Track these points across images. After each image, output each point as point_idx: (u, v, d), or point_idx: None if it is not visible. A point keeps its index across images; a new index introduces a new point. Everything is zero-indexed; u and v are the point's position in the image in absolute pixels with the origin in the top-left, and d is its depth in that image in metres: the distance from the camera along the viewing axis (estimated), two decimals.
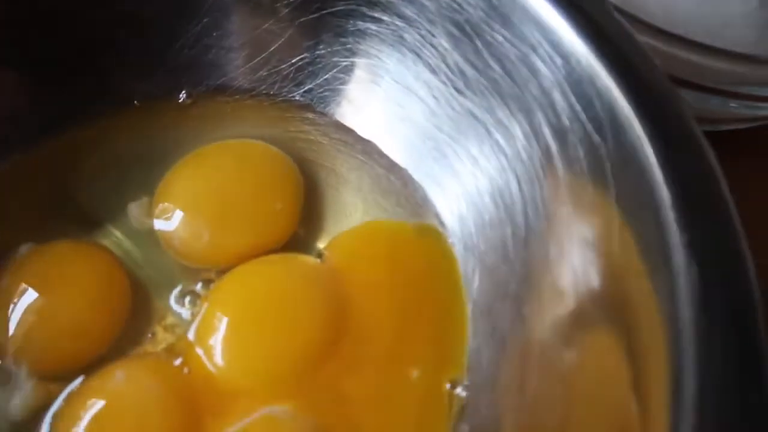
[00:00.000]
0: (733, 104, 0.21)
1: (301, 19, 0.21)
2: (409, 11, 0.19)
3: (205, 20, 0.21)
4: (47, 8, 0.20)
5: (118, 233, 0.21)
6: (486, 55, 0.18)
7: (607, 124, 0.15)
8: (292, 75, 0.22)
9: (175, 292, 0.20)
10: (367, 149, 0.22)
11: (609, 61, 0.15)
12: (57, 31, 0.20)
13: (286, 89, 0.22)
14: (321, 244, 0.21)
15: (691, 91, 0.20)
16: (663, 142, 0.13)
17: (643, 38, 0.19)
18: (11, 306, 0.18)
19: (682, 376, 0.11)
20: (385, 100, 0.21)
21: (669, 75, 0.19)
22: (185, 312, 0.19)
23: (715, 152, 0.13)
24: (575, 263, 0.16)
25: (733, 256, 0.12)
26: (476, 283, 0.19)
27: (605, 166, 0.15)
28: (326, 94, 0.22)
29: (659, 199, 0.13)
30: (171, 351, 0.19)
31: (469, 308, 0.18)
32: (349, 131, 0.22)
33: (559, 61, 0.16)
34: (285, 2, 0.21)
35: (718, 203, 0.13)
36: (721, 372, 0.11)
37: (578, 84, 0.15)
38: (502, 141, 0.18)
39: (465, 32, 0.18)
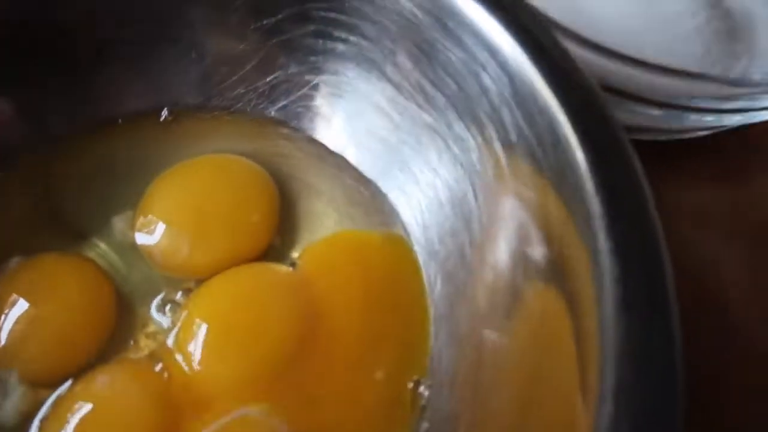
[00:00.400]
0: (693, 117, 0.22)
1: (274, 40, 0.22)
2: (372, 32, 0.20)
3: (183, 43, 0.23)
4: (36, 30, 0.21)
5: (103, 245, 0.22)
6: (442, 73, 0.19)
7: (547, 139, 0.16)
8: (267, 92, 0.23)
9: (157, 300, 0.21)
10: (339, 162, 0.23)
11: (549, 81, 0.16)
12: (43, 51, 0.21)
13: (261, 106, 0.24)
14: (296, 254, 0.22)
15: (634, 103, 0.22)
16: (594, 155, 0.15)
17: (590, 54, 0.20)
18: (2, 316, 0.20)
19: (605, 367, 0.12)
20: (354, 115, 0.22)
21: (614, 88, 0.21)
22: (165, 320, 0.20)
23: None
24: (523, 266, 0.17)
25: (653, 260, 0.13)
26: (438, 288, 0.20)
27: (545, 176, 0.16)
28: (299, 110, 0.23)
29: (590, 208, 0.14)
30: (152, 357, 0.20)
31: (431, 312, 0.20)
32: (321, 145, 0.23)
33: (505, 79, 0.17)
34: (258, 26, 0.22)
35: (640, 210, 0.14)
36: (637, 366, 0.12)
37: (522, 101, 0.16)
38: (459, 153, 0.19)
39: (423, 51, 0.19)
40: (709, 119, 0.24)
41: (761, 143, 0.29)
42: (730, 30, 0.25)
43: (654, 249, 0.13)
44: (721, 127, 0.26)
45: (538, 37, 0.17)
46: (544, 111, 0.16)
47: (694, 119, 0.23)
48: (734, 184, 0.29)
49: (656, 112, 0.22)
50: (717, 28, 0.25)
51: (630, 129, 0.24)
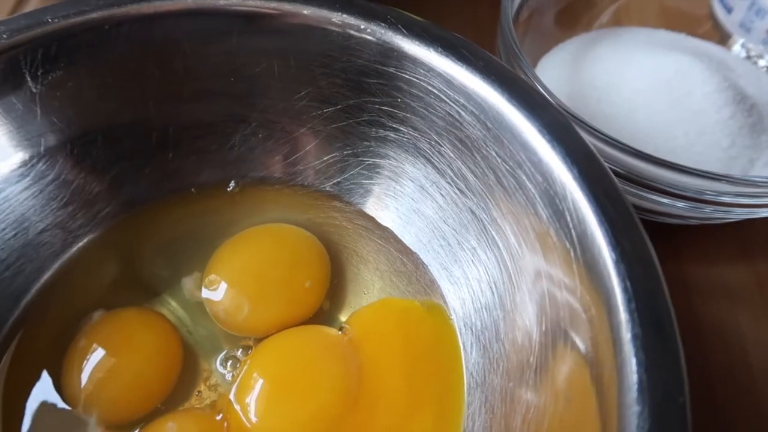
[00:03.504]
0: (706, 209, 0.24)
1: (333, 126, 0.25)
2: (421, 125, 0.23)
3: (253, 125, 0.26)
4: (132, 113, 0.25)
5: (173, 303, 0.24)
6: (483, 165, 0.21)
7: (577, 233, 0.18)
8: (323, 170, 0.26)
9: (220, 356, 0.23)
10: (385, 235, 0.25)
11: (579, 181, 0.18)
12: (134, 136, 0.25)
13: (318, 181, 0.26)
14: (343, 317, 0.24)
15: (661, 195, 0.24)
16: (620, 255, 0.16)
17: (619, 153, 0.22)
18: (84, 362, 0.22)
19: None
20: (402, 194, 0.25)
21: (642, 181, 0.23)
22: (227, 374, 0.23)
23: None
24: (554, 346, 0.19)
25: (669, 354, 0.15)
26: (473, 357, 0.22)
27: (573, 267, 0.18)
28: (352, 186, 0.26)
29: (614, 302, 0.16)
30: (213, 407, 0.22)
31: (465, 380, 0.21)
32: (371, 219, 0.26)
33: (539, 177, 0.19)
34: (319, 113, 0.25)
35: (660, 308, 0.16)
36: None
37: (554, 198, 0.19)
38: (496, 237, 0.21)
39: (466, 146, 0.22)
40: (738, 211, 0.25)
41: None
42: (755, 124, 0.27)
43: (671, 343, 0.15)
44: (751, 216, 0.27)
45: (570, 140, 0.19)
46: (574, 210, 0.18)
47: (721, 212, 0.25)
48: (764, 263, 0.30)
49: (682, 204, 0.24)
50: (741, 122, 0.27)
51: (658, 214, 0.26)
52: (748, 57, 0.32)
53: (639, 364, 0.15)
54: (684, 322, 0.27)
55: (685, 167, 0.22)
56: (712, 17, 0.34)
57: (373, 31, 0.22)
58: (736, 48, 0.33)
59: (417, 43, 0.21)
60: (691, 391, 0.25)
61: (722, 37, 0.33)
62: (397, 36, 0.22)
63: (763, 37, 0.33)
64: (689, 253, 0.28)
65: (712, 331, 0.26)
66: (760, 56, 0.32)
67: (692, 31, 0.33)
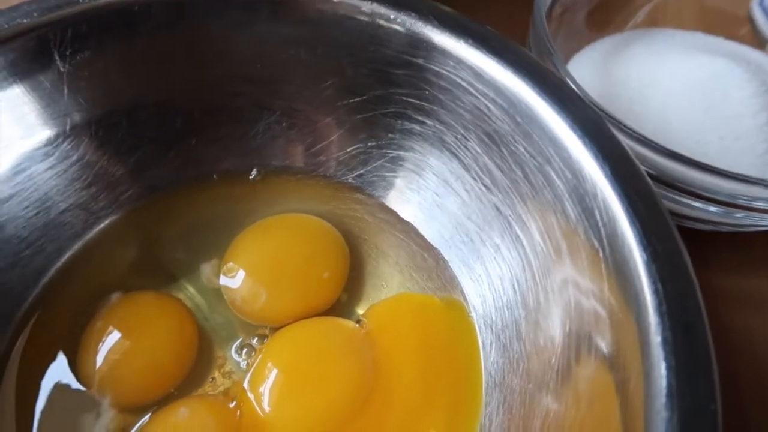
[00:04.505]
0: (738, 215, 0.23)
1: (357, 117, 0.25)
2: (448, 118, 0.23)
3: (277, 113, 0.26)
4: (157, 97, 0.25)
5: (191, 288, 0.24)
6: (510, 161, 0.21)
7: (606, 233, 0.17)
8: (346, 161, 0.26)
9: (235, 343, 0.23)
10: (406, 229, 0.25)
11: (611, 179, 0.17)
12: (155, 121, 0.25)
13: (340, 173, 0.26)
14: (360, 310, 0.24)
15: (693, 198, 0.23)
16: (651, 256, 0.16)
17: (652, 154, 0.22)
18: (100, 344, 0.22)
19: None
20: (425, 188, 0.24)
21: (675, 184, 0.22)
22: (242, 361, 0.22)
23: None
24: (576, 347, 0.18)
25: (700, 359, 0.14)
26: (492, 356, 0.21)
27: (602, 268, 0.17)
28: (374, 179, 0.26)
29: (643, 305, 0.15)
30: (227, 394, 0.22)
31: (484, 378, 0.21)
32: (392, 212, 0.25)
33: (569, 174, 0.19)
34: (344, 103, 0.24)
35: (692, 311, 0.15)
36: None
37: (583, 196, 0.18)
38: (521, 234, 0.21)
39: (493, 140, 0.21)
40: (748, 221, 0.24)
41: None
42: None
43: (702, 348, 0.14)
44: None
45: (602, 138, 0.18)
46: (604, 209, 0.17)
47: (754, 218, 0.24)
48: None
49: (714, 209, 0.23)
50: None
51: (689, 219, 0.25)
52: None
53: (668, 368, 0.14)
54: (713, 332, 0.26)
55: (719, 169, 0.21)
56: (751, 21, 0.33)
57: (403, 21, 0.21)
58: None
59: (447, 34, 0.21)
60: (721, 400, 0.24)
61: (761, 42, 0.32)
62: (427, 27, 0.21)
63: None
64: (718, 261, 0.27)
65: (740, 340, 0.25)
66: None
67: (730, 34, 0.32)
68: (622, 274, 0.16)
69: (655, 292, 0.15)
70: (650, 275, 0.16)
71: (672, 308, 0.15)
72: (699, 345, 0.15)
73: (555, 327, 0.19)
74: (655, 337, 0.15)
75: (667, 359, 0.15)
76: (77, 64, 0.22)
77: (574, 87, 0.24)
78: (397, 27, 0.22)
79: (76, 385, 0.22)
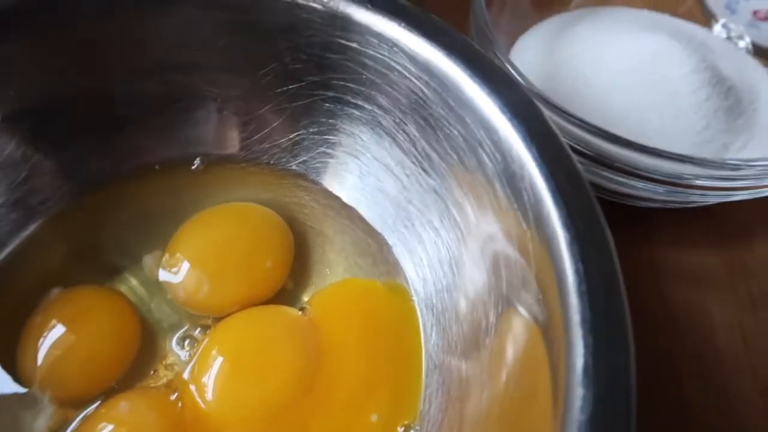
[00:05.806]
0: (682, 193, 0.24)
1: (298, 103, 0.24)
2: (386, 102, 0.23)
3: (217, 101, 0.25)
4: (90, 86, 0.24)
5: (133, 281, 0.24)
6: (445, 144, 0.21)
7: (531, 214, 0.17)
8: (289, 148, 0.26)
9: (177, 335, 0.23)
10: (351, 215, 0.25)
11: (537, 160, 0.18)
12: (83, 111, 0.24)
13: (284, 160, 0.26)
14: (306, 297, 0.24)
15: (639, 180, 0.23)
16: (573, 236, 0.16)
17: (591, 136, 0.22)
18: (41, 340, 0.22)
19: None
20: (366, 173, 0.24)
21: (618, 166, 0.22)
22: (183, 353, 0.22)
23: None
24: (511, 326, 0.18)
25: (617, 338, 0.15)
26: (433, 338, 0.21)
27: (530, 248, 0.17)
28: (317, 165, 0.25)
29: (565, 284, 0.16)
30: (169, 386, 0.22)
31: (424, 361, 0.21)
32: (336, 198, 0.25)
33: (498, 156, 0.19)
34: (283, 90, 0.24)
35: (611, 291, 0.15)
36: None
37: (512, 178, 0.18)
38: (458, 217, 0.21)
39: (429, 124, 0.21)
40: (714, 195, 0.25)
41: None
42: (731, 107, 0.27)
43: (620, 327, 0.15)
44: (726, 200, 0.26)
45: (531, 119, 0.18)
46: (531, 190, 0.17)
47: (698, 196, 0.24)
48: (736, 249, 0.29)
49: (660, 189, 0.23)
50: (717, 105, 0.26)
51: (634, 198, 0.26)
52: (729, 38, 0.31)
53: (586, 347, 0.15)
54: (653, 306, 0.27)
55: (656, 149, 0.21)
56: None
57: (336, 3, 0.21)
58: (717, 28, 0.32)
59: (380, 16, 0.21)
60: (657, 371, 0.25)
61: (705, 18, 0.32)
62: (360, 9, 0.21)
63: (748, 19, 0.32)
64: (661, 237, 0.28)
65: (681, 315, 0.26)
66: (740, 37, 0.31)
67: (676, 11, 0.32)
68: (548, 255, 0.16)
69: (576, 272, 0.16)
70: (572, 255, 0.16)
71: (591, 288, 0.15)
72: (617, 324, 0.15)
73: (489, 306, 0.19)
74: (575, 316, 0.15)
75: (585, 338, 0.15)
76: (1, 55, 0.21)
77: (511, 71, 0.23)
78: (330, 9, 0.21)
79: (13, 383, 0.21)
